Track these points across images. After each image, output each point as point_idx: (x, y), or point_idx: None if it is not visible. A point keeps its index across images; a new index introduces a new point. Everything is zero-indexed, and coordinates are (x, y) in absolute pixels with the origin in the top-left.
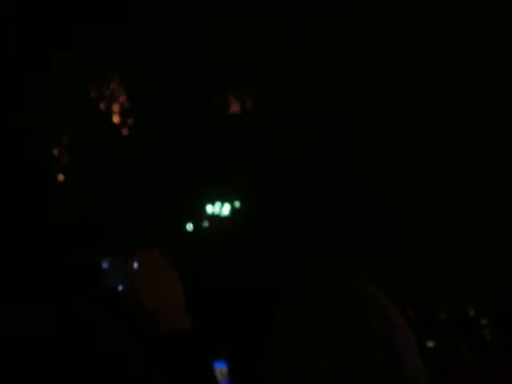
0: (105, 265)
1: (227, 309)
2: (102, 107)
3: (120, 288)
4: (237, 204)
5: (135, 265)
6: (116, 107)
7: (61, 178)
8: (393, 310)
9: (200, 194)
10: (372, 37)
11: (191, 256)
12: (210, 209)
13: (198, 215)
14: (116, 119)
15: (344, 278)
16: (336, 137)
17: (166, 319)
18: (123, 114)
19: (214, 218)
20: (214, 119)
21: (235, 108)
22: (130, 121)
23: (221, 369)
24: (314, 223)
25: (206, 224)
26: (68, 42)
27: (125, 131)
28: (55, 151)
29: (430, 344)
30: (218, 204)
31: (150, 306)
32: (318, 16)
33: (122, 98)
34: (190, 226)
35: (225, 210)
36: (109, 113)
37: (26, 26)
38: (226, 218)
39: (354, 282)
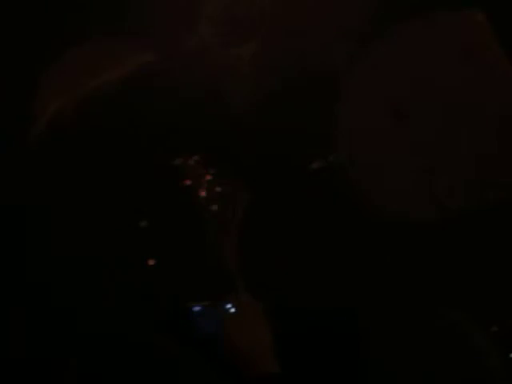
0: (196, 309)
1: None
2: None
3: (211, 332)
4: None
5: (226, 309)
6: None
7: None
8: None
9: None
10: None
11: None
12: None
13: None
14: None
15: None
16: None
17: (256, 362)
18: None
19: None
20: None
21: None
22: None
23: None
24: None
25: None
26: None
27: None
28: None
29: None
30: None
31: (240, 349)
32: None
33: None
34: None
35: None
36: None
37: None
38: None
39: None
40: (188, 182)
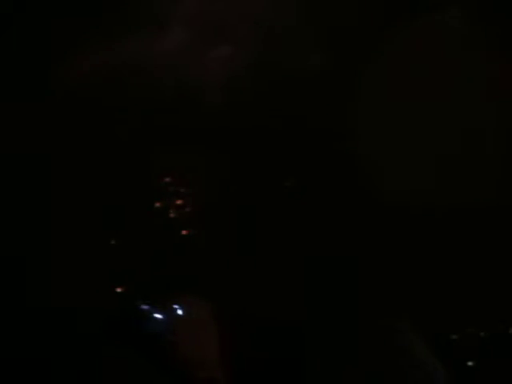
0: (145, 308)
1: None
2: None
3: (160, 333)
4: None
5: (178, 311)
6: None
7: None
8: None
9: None
10: None
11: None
12: None
13: None
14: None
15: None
16: None
17: (202, 367)
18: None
19: None
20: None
21: None
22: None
23: None
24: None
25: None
26: None
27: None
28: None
29: (470, 363)
30: None
31: (187, 353)
32: None
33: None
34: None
35: None
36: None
37: None
38: None
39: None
40: (159, 204)
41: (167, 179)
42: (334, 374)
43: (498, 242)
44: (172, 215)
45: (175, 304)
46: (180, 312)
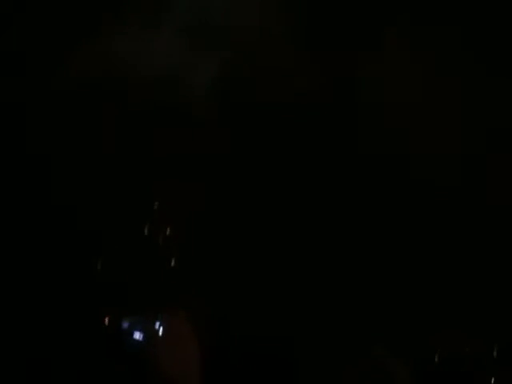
0: (125, 324)
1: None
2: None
3: (139, 349)
4: None
5: (158, 328)
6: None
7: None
8: None
9: None
10: None
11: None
12: None
13: None
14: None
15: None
16: None
17: (182, 382)
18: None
19: None
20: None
21: None
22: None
23: None
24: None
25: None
26: None
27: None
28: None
29: None
30: None
31: (167, 371)
32: None
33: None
34: None
35: None
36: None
37: None
38: None
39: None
40: (148, 229)
41: (155, 204)
42: None
43: (485, 259)
44: (156, 232)
45: (156, 320)
46: (161, 328)
